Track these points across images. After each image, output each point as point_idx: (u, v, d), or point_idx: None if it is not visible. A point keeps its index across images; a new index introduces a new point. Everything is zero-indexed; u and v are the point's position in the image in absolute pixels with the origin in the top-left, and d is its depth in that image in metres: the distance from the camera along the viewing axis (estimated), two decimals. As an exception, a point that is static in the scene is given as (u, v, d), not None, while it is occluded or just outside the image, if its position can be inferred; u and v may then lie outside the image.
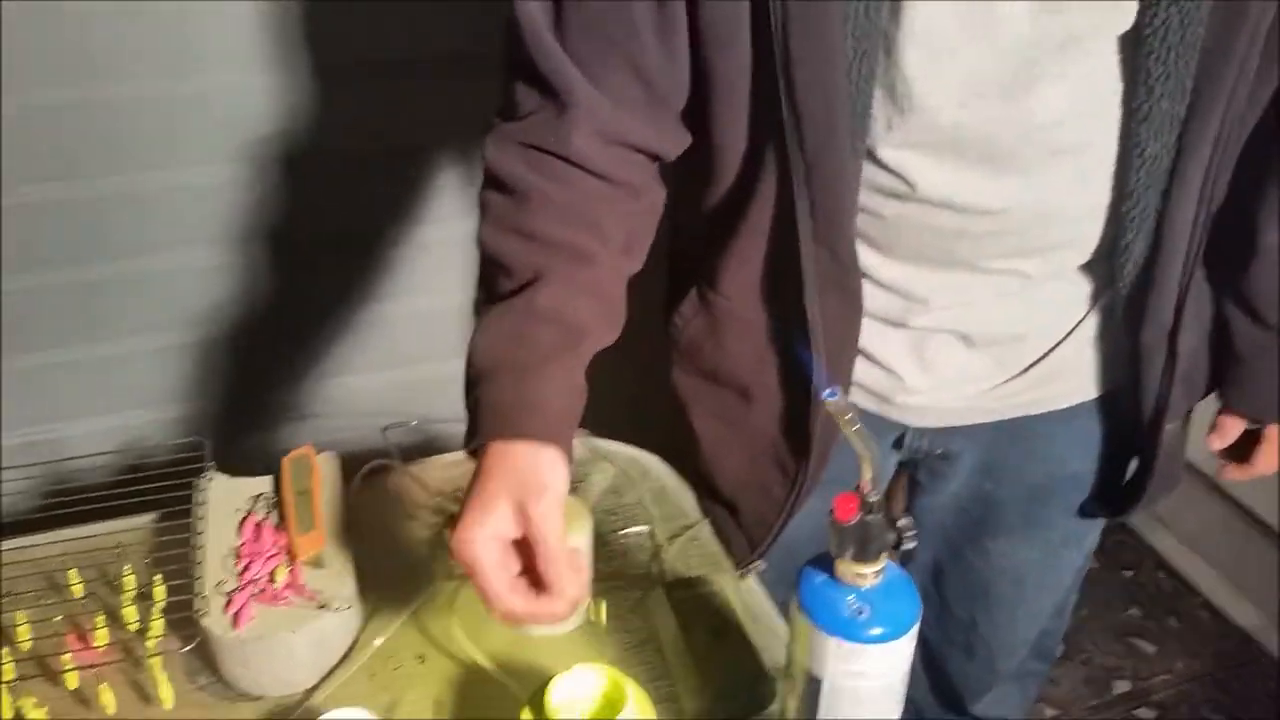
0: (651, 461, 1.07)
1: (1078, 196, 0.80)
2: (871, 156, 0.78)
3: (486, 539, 0.68)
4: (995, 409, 0.94)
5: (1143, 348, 0.86)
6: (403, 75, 1.28)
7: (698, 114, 0.81)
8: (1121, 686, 1.81)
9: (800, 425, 0.90)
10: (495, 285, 0.78)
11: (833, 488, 0.97)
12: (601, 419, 1.09)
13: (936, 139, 0.76)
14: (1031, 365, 0.92)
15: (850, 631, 0.59)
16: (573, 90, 0.76)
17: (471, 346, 0.76)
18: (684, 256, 0.97)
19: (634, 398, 1.14)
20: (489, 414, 0.72)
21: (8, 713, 0.78)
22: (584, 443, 1.08)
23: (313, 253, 1.37)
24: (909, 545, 0.59)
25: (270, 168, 1.29)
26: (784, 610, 0.89)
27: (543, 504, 0.68)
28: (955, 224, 0.81)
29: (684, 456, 1.03)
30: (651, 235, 0.85)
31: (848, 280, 0.84)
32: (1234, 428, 0.97)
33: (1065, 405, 0.95)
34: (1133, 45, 0.71)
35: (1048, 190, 0.79)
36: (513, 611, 0.68)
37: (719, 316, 0.93)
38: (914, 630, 0.60)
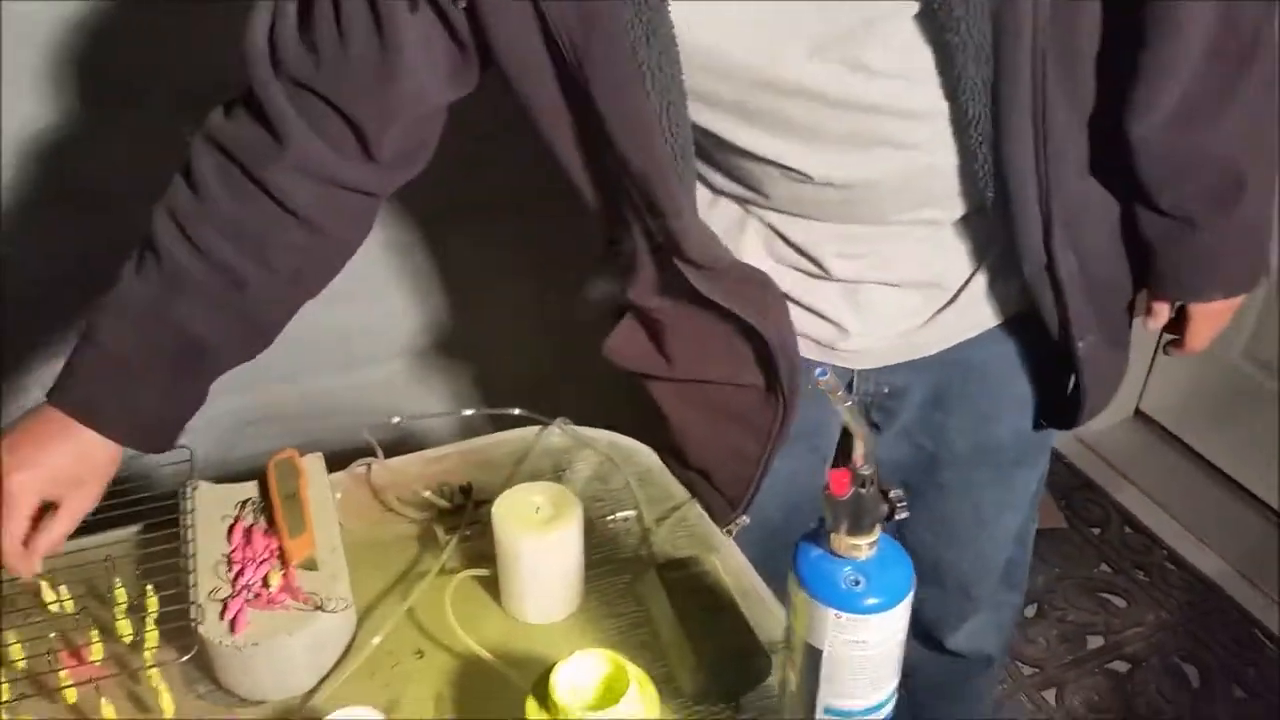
0: (634, 446, 1.09)
1: (940, 156, 0.84)
2: (749, 153, 0.83)
3: (28, 489, 0.80)
4: (932, 341, 0.99)
5: (1029, 282, 0.91)
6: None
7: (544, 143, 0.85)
8: (1095, 641, 1.85)
9: (758, 394, 0.95)
10: (146, 264, 0.85)
11: (797, 444, 1.02)
12: (584, 408, 1.11)
13: (789, 132, 0.80)
14: (955, 296, 0.96)
15: (848, 603, 0.60)
16: (290, 135, 0.81)
17: (101, 311, 0.84)
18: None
19: (612, 384, 1.15)
20: (80, 383, 0.83)
21: (6, 733, 0.78)
22: (566, 431, 1.09)
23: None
24: (901, 516, 0.60)
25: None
26: (768, 582, 0.92)
27: (79, 498, 0.83)
28: (841, 195, 0.85)
29: (654, 433, 1.07)
30: (336, 269, 0.92)
31: (738, 274, 0.89)
32: (1162, 311, 1.02)
33: (995, 324, 0.99)
34: (930, 21, 0.74)
35: (912, 156, 0.82)
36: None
37: (651, 327, 0.99)
38: (909, 598, 0.62)
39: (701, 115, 0.81)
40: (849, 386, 1.03)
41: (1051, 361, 1.02)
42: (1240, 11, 0.81)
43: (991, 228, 0.92)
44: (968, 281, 0.96)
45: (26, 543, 0.82)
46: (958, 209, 0.90)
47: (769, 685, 0.83)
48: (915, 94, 0.79)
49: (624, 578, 0.93)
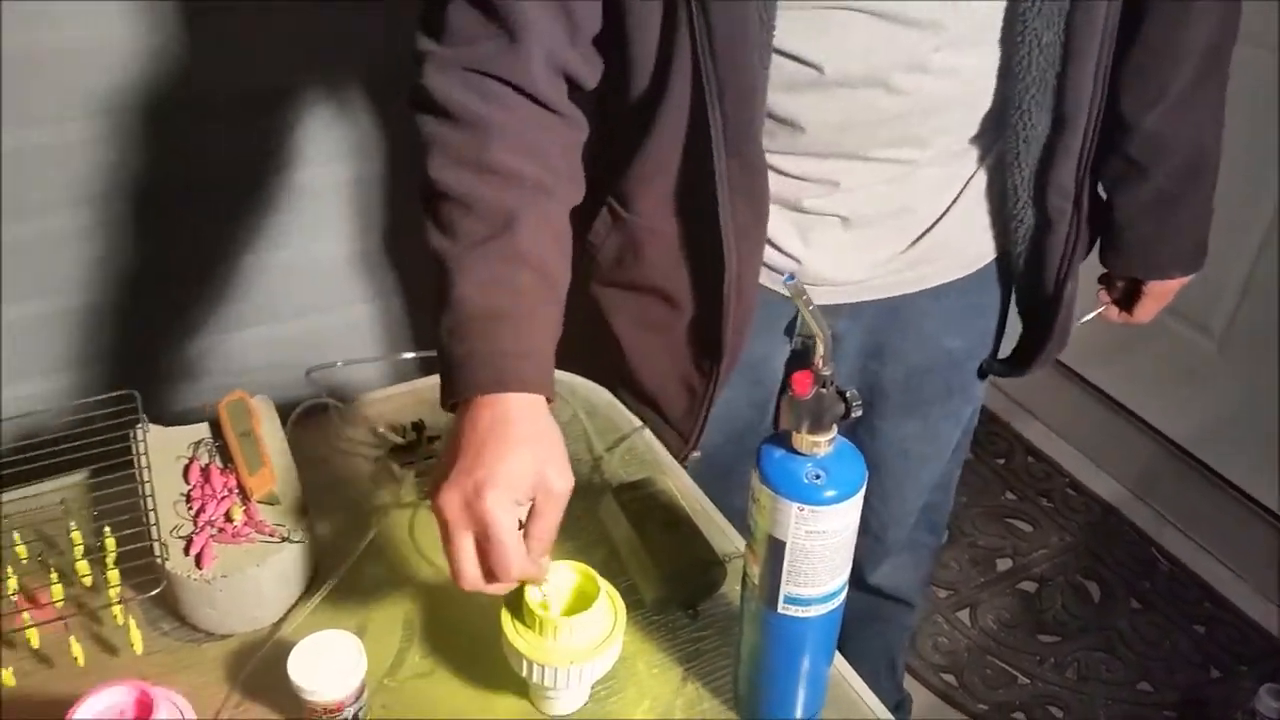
0: (577, 381, 1.11)
1: (961, 88, 0.88)
2: (775, 49, 0.83)
3: (506, 501, 0.67)
4: (878, 286, 1.02)
5: (1049, 214, 0.96)
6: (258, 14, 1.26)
7: (611, 38, 0.84)
8: (1004, 564, 1.96)
9: (714, 325, 0.97)
10: (461, 226, 0.76)
11: (739, 375, 1.05)
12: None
13: (826, 40, 0.82)
14: (910, 245, 1.00)
15: (810, 496, 0.64)
16: (525, 18, 0.76)
17: (451, 294, 0.74)
18: (590, 181, 1.01)
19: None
20: (481, 364, 0.72)
21: (-30, 679, 0.77)
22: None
23: (191, 203, 1.34)
24: (857, 414, 0.65)
25: (132, 120, 1.26)
26: (717, 502, 0.97)
27: (559, 471, 0.70)
28: (840, 115, 0.87)
29: (604, 366, 1.08)
30: (580, 170, 0.86)
31: (755, 186, 0.90)
32: (1123, 284, 1.12)
33: (939, 282, 1.04)
34: None
35: (928, 83, 0.85)
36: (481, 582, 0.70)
37: (633, 232, 0.98)
38: (863, 490, 0.67)
39: None
40: (791, 324, 1.07)
41: (993, 312, 1.07)
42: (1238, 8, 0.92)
43: (964, 171, 0.96)
44: (924, 233, 0.99)
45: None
46: (944, 148, 0.92)
47: (724, 594, 0.88)
48: (976, 11, 0.83)
49: (579, 504, 0.95)
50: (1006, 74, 0.87)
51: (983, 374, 1.14)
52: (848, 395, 0.64)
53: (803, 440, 0.65)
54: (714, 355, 0.99)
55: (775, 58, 0.84)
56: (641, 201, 0.95)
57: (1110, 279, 1.13)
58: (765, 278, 1.02)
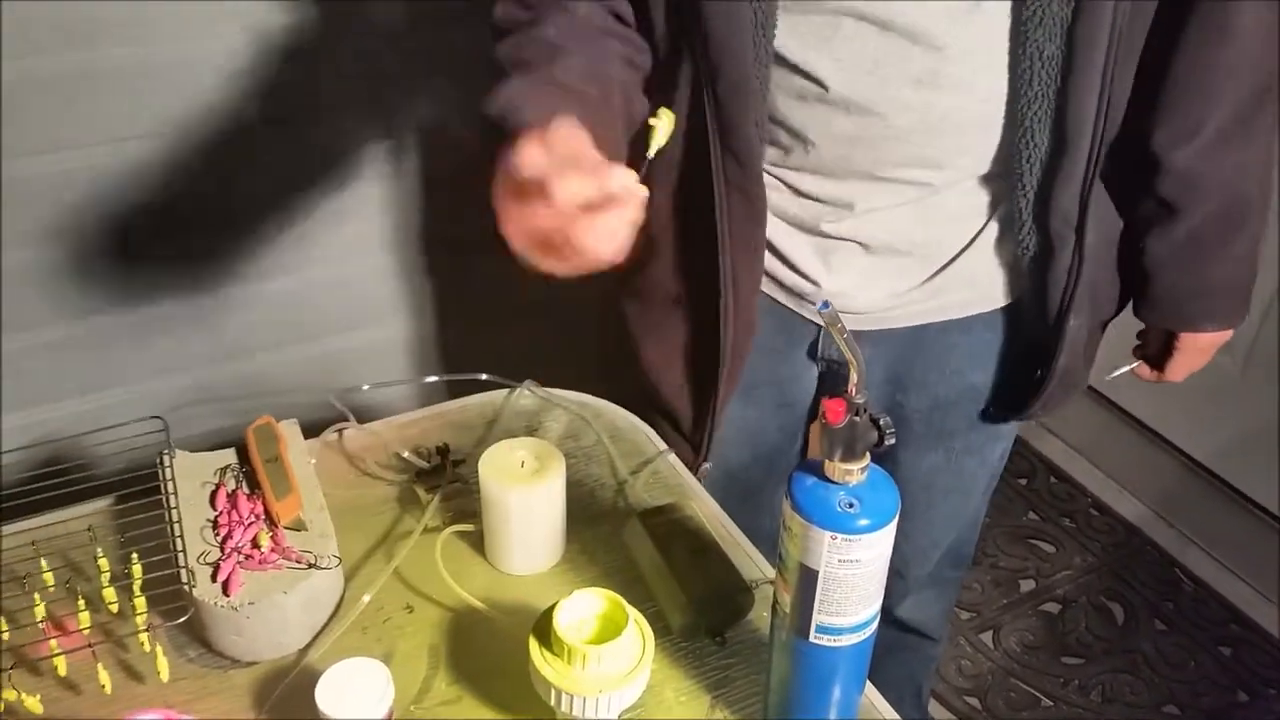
0: (601, 404, 1.11)
1: (965, 104, 0.86)
2: (782, 59, 0.84)
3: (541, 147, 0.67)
4: (898, 315, 1.01)
5: (1052, 239, 0.93)
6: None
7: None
8: (1027, 585, 1.94)
9: (715, 333, 0.98)
10: (529, 46, 0.82)
11: (761, 393, 1.05)
12: (547, 378, 1.13)
13: (828, 48, 0.83)
14: (932, 276, 0.98)
15: (843, 525, 0.64)
16: None
17: (496, 92, 0.79)
18: None
19: (574, 356, 1.17)
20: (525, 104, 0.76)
21: (-1, 704, 0.77)
22: (536, 393, 1.11)
23: (220, 226, 1.35)
24: (890, 442, 0.64)
25: (163, 142, 1.26)
26: (744, 524, 0.96)
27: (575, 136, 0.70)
28: (853, 125, 0.87)
29: (631, 377, 1.09)
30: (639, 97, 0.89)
31: (750, 186, 0.91)
32: (1156, 337, 1.07)
33: (962, 315, 1.02)
34: None
35: (931, 99, 0.85)
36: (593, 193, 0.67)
37: (642, 233, 0.98)
38: (896, 518, 0.66)
39: None
40: (814, 346, 1.06)
41: (1020, 352, 1.04)
42: (1275, 45, 0.85)
43: (989, 200, 0.94)
44: (947, 264, 0.98)
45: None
46: (961, 170, 0.91)
47: (751, 621, 0.87)
48: (980, 21, 0.81)
49: (604, 528, 0.96)
50: (1015, 95, 0.86)
51: (986, 415, 1.11)
52: (881, 423, 0.64)
53: (835, 468, 0.65)
54: (716, 364, 1.00)
55: (782, 70, 0.85)
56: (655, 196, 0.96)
57: (1145, 333, 1.09)
58: (788, 300, 1.02)
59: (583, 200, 0.65)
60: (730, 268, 0.94)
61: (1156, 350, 1.07)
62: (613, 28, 0.87)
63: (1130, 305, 1.05)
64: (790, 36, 0.84)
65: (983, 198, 0.95)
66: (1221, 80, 0.87)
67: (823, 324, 1.04)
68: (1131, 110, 0.89)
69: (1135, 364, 1.12)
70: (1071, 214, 0.91)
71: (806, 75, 0.85)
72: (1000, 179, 0.93)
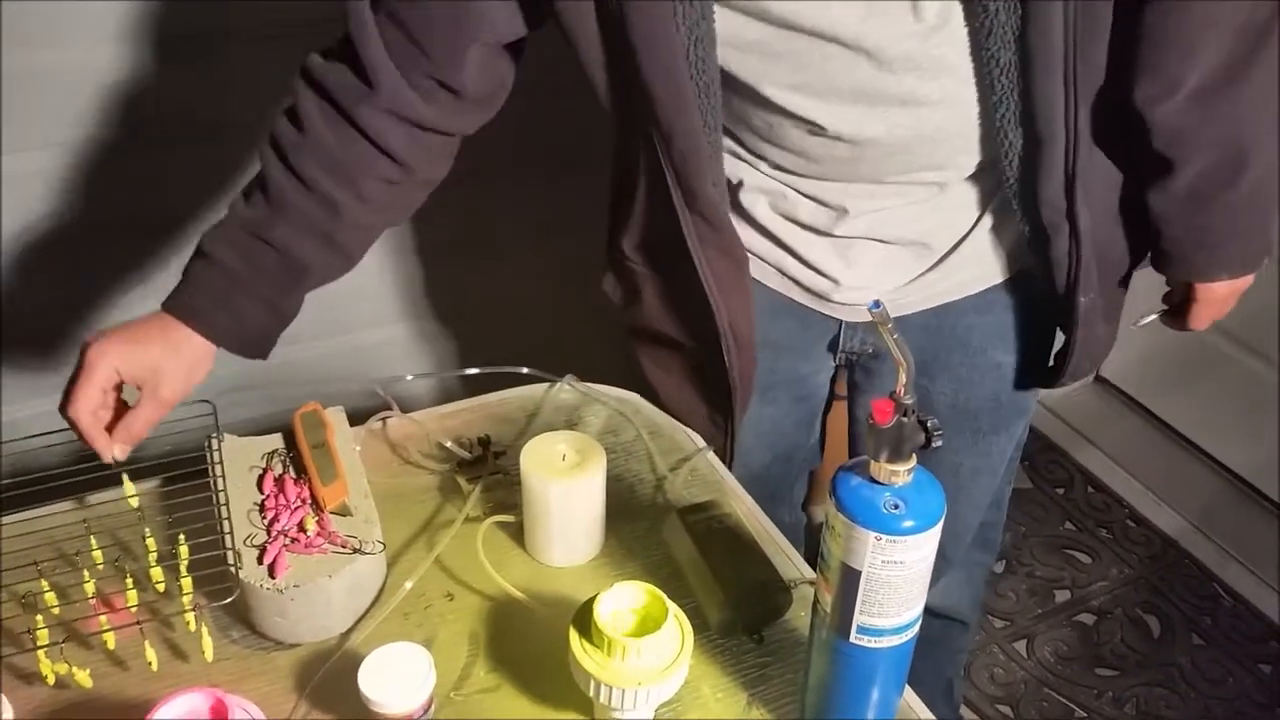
0: (640, 401, 1.12)
1: (951, 114, 0.87)
2: (767, 101, 0.87)
3: (111, 357, 0.84)
4: (916, 300, 1.03)
5: (1046, 228, 0.94)
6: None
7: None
8: (1062, 595, 1.93)
9: (720, 368, 1.02)
10: (254, 191, 0.92)
11: (778, 393, 1.06)
12: (587, 372, 1.13)
13: (807, 81, 0.85)
14: (945, 255, 1.00)
15: (888, 526, 0.64)
16: (382, 81, 0.87)
17: (213, 231, 0.91)
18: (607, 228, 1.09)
19: (613, 348, 1.18)
20: (190, 291, 0.90)
21: (50, 678, 0.79)
22: (575, 387, 1.12)
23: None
24: (938, 444, 0.64)
25: (157, 140, 1.28)
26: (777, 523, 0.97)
27: (172, 385, 0.87)
28: (850, 151, 0.90)
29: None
30: (419, 201, 0.98)
31: (724, 241, 0.95)
32: (1177, 289, 1.05)
33: (978, 289, 1.03)
34: None
35: (920, 115, 0.86)
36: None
37: (632, 278, 1.06)
38: (942, 520, 0.66)
39: (729, 56, 0.84)
40: (835, 340, 1.08)
41: (1039, 324, 1.05)
42: None
43: (990, 186, 0.96)
44: (957, 244, 0.99)
45: (110, 429, 0.87)
46: (963, 169, 0.93)
47: (788, 619, 0.87)
48: (940, 40, 0.82)
49: (642, 524, 0.96)
50: (985, 101, 0.87)
51: (1020, 384, 1.11)
52: (929, 424, 0.64)
53: (881, 469, 0.65)
54: (727, 394, 1.05)
55: (778, 117, 0.88)
56: (630, 247, 1.04)
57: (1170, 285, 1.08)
58: (807, 299, 1.03)
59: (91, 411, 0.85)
60: (725, 314, 0.99)
61: (1179, 300, 1.06)
62: (394, 160, 0.91)
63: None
64: (772, 86, 0.86)
65: (981, 186, 0.97)
66: (1195, 34, 0.84)
67: (842, 320, 1.06)
68: (1115, 69, 0.88)
69: (1158, 314, 1.10)
70: (1059, 203, 0.92)
71: (798, 118, 0.87)
72: (990, 169, 0.95)
